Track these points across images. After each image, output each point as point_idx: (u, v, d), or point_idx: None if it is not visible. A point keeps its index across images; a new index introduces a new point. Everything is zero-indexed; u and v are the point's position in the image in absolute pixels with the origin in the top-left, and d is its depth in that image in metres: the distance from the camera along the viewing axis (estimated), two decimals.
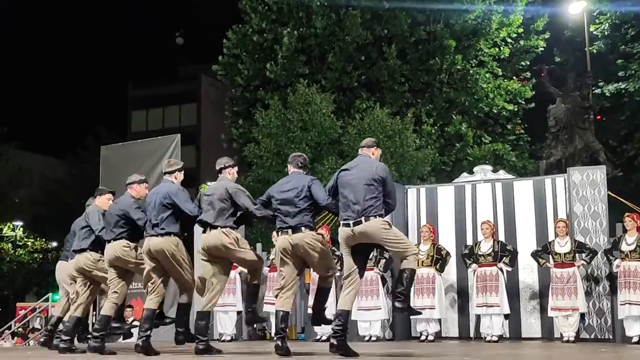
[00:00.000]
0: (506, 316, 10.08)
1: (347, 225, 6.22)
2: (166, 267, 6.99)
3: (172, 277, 7.09)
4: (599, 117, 22.75)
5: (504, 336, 10.16)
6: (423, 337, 10.29)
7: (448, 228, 11.45)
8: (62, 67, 59.62)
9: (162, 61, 57.63)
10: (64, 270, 8.79)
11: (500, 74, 24.05)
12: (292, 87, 21.47)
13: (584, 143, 19.24)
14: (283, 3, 23.05)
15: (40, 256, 34.49)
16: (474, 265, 10.17)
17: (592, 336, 10.18)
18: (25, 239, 34.39)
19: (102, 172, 13.92)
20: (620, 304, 9.53)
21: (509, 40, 24.24)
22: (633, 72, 21.99)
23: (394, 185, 6.60)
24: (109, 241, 7.46)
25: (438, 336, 10.41)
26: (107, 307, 7.40)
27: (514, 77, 24.47)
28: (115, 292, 7.41)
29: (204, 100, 39.91)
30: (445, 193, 11.74)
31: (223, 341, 10.72)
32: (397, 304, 6.16)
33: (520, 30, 24.18)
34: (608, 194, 10.62)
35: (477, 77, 23.34)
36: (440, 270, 10.34)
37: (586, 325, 10.19)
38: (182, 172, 7.37)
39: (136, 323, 8.65)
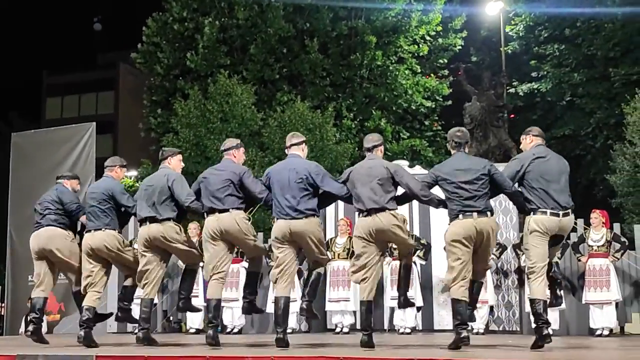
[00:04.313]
0: (419, 308, 10.26)
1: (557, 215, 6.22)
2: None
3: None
4: (512, 115, 23.43)
5: (416, 328, 10.32)
6: (338, 330, 10.40)
7: None
8: None
9: (79, 47, 56.14)
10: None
11: (419, 71, 24.50)
12: (212, 78, 21.31)
13: (497, 140, 19.83)
14: None
15: None
16: (388, 259, 10.25)
17: (501, 328, 10.50)
18: None
19: (13, 160, 13.51)
20: (528, 297, 9.84)
21: (428, 38, 24.72)
22: (545, 73, 22.74)
23: None
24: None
25: (353, 328, 10.41)
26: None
27: (432, 75, 24.96)
28: None
29: (122, 89, 39.10)
30: None
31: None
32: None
33: (439, 28, 24.69)
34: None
35: (397, 73, 23.72)
36: None
37: (495, 318, 10.50)
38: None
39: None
